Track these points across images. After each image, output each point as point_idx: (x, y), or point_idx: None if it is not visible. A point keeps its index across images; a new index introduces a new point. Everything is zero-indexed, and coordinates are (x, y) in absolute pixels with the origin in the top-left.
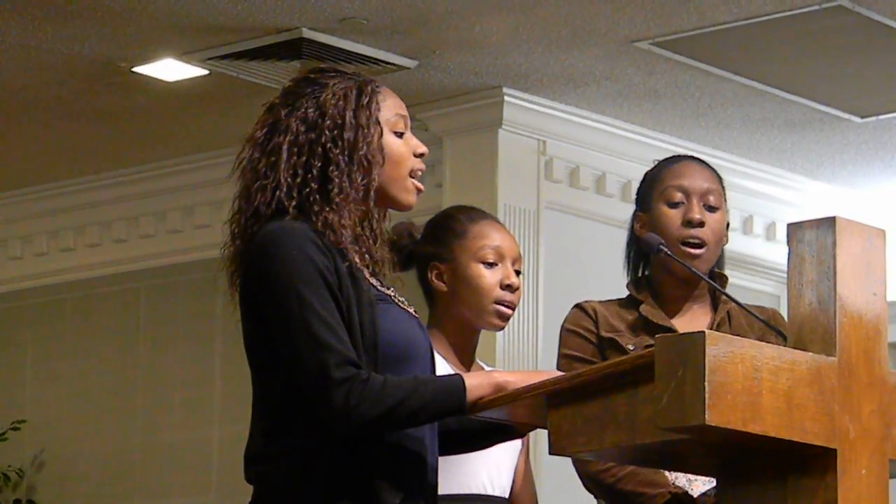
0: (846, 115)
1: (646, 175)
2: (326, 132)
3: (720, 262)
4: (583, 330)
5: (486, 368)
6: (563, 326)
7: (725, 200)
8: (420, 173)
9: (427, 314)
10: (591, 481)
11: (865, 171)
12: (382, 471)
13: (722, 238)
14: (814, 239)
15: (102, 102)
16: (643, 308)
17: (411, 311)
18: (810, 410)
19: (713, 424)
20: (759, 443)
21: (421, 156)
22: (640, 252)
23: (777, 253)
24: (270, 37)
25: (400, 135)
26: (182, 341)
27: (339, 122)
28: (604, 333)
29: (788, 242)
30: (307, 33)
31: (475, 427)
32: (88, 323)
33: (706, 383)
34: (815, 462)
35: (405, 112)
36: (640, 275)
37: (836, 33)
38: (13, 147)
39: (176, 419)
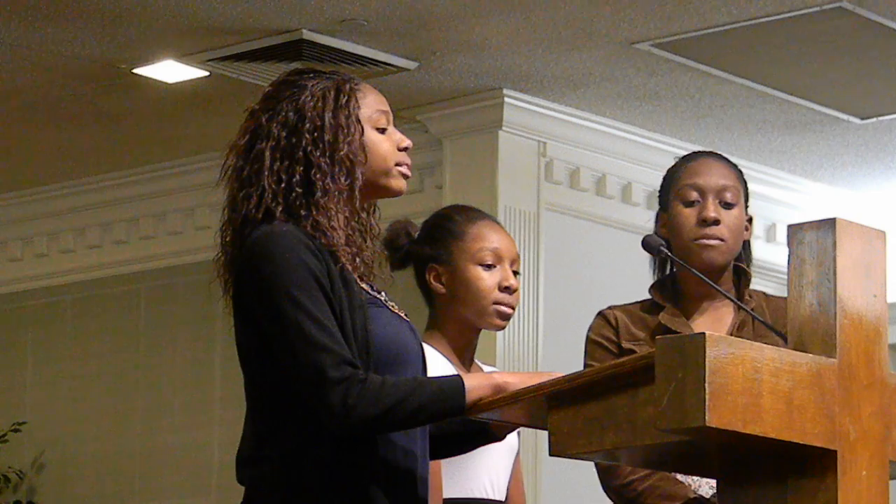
0: (846, 117)
1: (666, 173)
2: (307, 135)
3: (747, 257)
4: (605, 340)
5: (486, 369)
6: (587, 335)
7: (746, 196)
8: (405, 166)
9: (423, 315)
10: (615, 495)
11: (865, 173)
12: (372, 475)
13: (740, 234)
14: (814, 240)
15: (102, 104)
16: (662, 315)
17: (402, 314)
18: (810, 412)
19: (713, 426)
20: (760, 444)
21: (405, 149)
22: (669, 251)
23: (777, 254)
24: (270, 38)
25: (382, 130)
26: (182, 343)
27: (319, 124)
28: (625, 344)
29: (788, 244)
30: (307, 35)
31: (452, 432)
32: (88, 325)
33: (706, 385)
34: (816, 463)
35: (386, 107)
36: (666, 274)
37: (837, 35)
38: (13, 148)
39: (176, 421)
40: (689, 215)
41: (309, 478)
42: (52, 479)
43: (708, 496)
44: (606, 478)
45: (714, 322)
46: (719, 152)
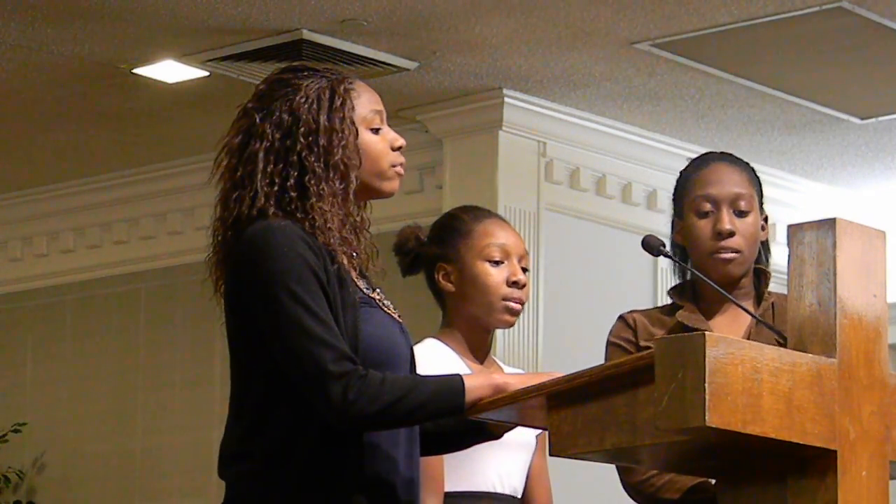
0: (846, 117)
1: (678, 177)
2: (301, 139)
3: (766, 257)
4: (623, 341)
5: (506, 369)
6: (607, 339)
7: (761, 196)
8: (399, 165)
9: (424, 315)
10: (633, 491)
11: (865, 173)
12: (353, 476)
13: (756, 240)
14: (814, 240)
15: (103, 104)
16: (680, 313)
17: (395, 315)
18: (810, 412)
19: (713, 426)
20: (760, 444)
21: (399, 148)
22: (684, 258)
23: (777, 254)
24: (270, 38)
25: (376, 130)
26: (182, 343)
27: (313, 127)
28: (642, 342)
29: (789, 244)
30: (307, 35)
31: (448, 429)
32: (89, 325)
33: (706, 385)
34: (816, 463)
35: (380, 106)
36: (686, 279)
37: (837, 35)
38: (13, 148)
39: (176, 421)
40: (703, 227)
41: (291, 476)
42: (53, 479)
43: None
44: (625, 475)
45: (732, 322)
46: (729, 152)
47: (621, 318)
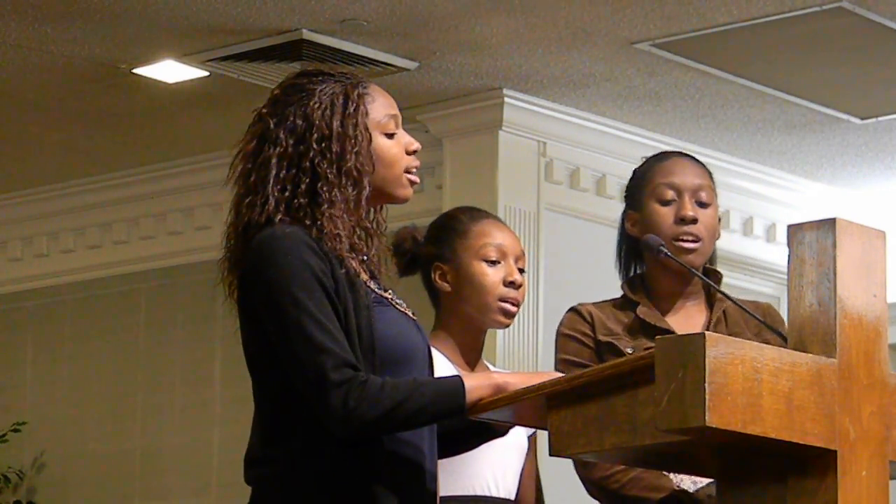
0: (846, 117)
1: (635, 172)
2: (314, 145)
3: (713, 258)
4: (579, 334)
5: (492, 369)
6: (558, 331)
7: (716, 196)
8: (415, 170)
9: (427, 315)
10: (594, 487)
11: (865, 173)
12: (379, 475)
13: (715, 233)
14: (814, 240)
15: (102, 104)
16: (640, 310)
17: (409, 313)
18: (810, 412)
19: (713, 426)
20: (760, 444)
21: (414, 152)
22: (632, 250)
23: (777, 254)
24: (271, 38)
25: (391, 135)
26: (182, 343)
27: (327, 133)
28: (601, 337)
29: (788, 244)
30: (307, 35)
31: (453, 430)
32: (88, 324)
33: (706, 385)
34: (816, 463)
35: (395, 111)
36: (632, 273)
37: (837, 35)
38: (13, 148)
39: (176, 421)
40: (665, 214)
41: (315, 478)
42: (52, 479)
43: (691, 491)
44: (585, 470)
45: (688, 320)
46: (688, 153)
47: (574, 310)
